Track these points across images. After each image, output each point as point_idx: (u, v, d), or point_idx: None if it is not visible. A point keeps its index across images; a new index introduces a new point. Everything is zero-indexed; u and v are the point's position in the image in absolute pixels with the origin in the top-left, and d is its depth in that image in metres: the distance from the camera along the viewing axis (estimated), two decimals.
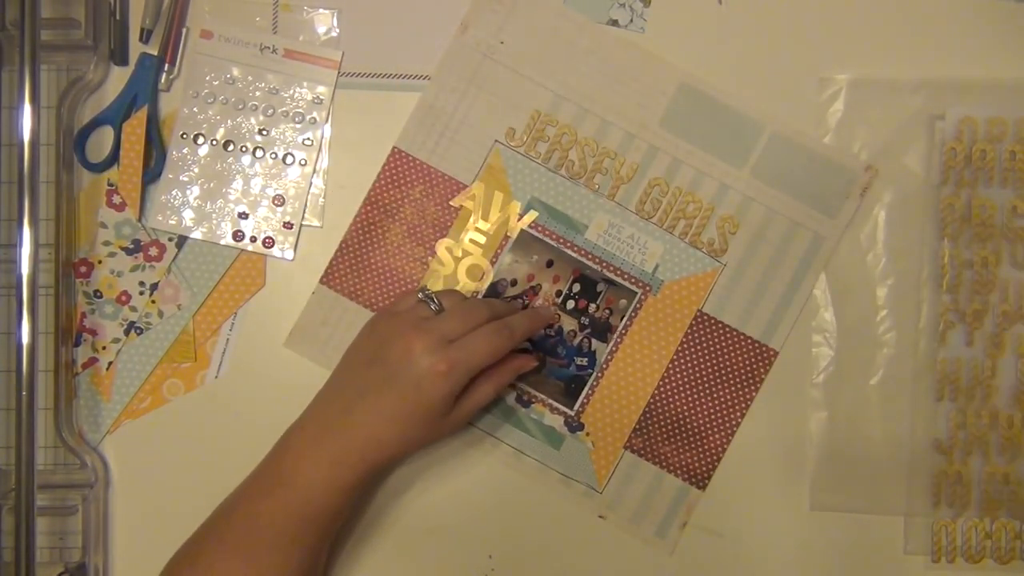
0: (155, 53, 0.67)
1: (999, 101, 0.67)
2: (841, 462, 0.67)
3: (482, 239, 0.68)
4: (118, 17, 0.67)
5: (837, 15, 0.68)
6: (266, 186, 0.68)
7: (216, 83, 0.67)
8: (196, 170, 0.67)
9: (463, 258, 0.68)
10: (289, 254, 0.67)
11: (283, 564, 0.57)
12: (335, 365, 0.64)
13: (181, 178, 0.67)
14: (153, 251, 0.67)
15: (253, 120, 0.68)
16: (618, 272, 0.67)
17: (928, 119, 0.67)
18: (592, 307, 0.67)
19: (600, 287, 0.67)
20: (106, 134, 0.67)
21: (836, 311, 0.67)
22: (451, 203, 0.68)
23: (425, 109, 0.68)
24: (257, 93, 0.68)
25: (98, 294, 0.67)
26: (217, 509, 0.59)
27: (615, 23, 0.68)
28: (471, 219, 0.68)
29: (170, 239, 0.67)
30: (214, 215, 0.68)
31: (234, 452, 0.61)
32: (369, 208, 0.68)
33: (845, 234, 0.67)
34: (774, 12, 0.68)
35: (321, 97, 0.68)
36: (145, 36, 0.67)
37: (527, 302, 0.67)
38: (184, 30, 0.68)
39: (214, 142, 0.67)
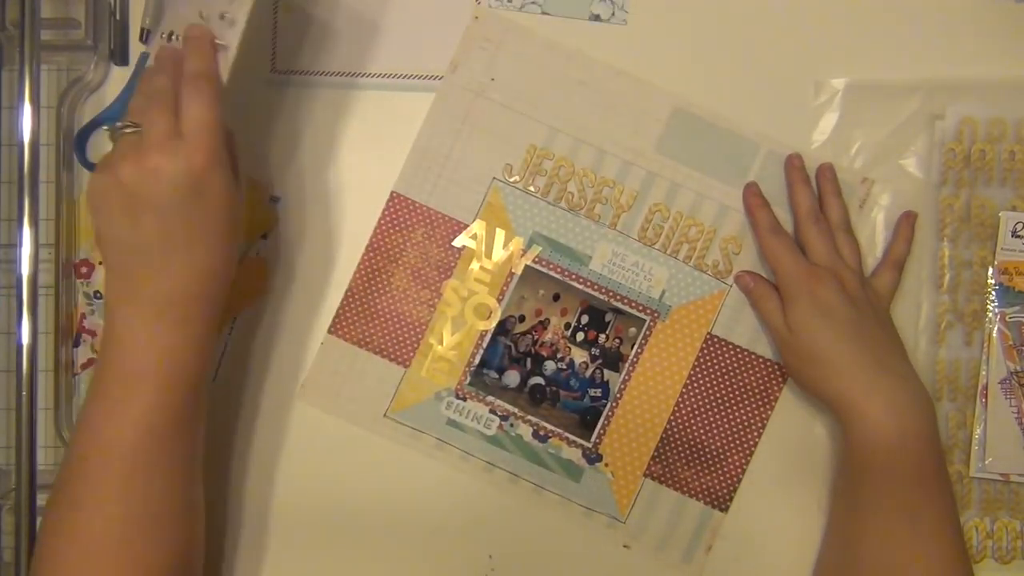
0: None
1: (999, 101, 0.67)
2: None
3: (487, 277, 0.67)
4: (118, 17, 0.67)
5: (830, 18, 0.68)
6: None
7: None
8: None
9: (469, 298, 0.68)
10: None
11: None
12: (349, 416, 0.64)
13: None
14: None
15: None
16: (625, 301, 0.67)
17: (927, 119, 0.67)
18: (602, 337, 0.67)
19: (608, 317, 0.67)
20: (107, 134, 0.67)
21: None
22: (453, 244, 0.68)
23: (420, 151, 0.68)
24: None
25: (98, 295, 0.67)
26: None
27: (597, 18, 0.68)
28: (474, 258, 0.68)
29: None
30: None
31: (230, 454, 0.60)
32: (371, 255, 0.67)
33: None
34: (766, 14, 0.68)
35: None
36: (145, 36, 0.66)
37: (536, 338, 0.67)
38: None
39: None
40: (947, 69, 0.67)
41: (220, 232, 0.55)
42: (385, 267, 0.67)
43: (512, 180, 0.68)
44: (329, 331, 0.68)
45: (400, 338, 0.67)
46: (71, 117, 0.67)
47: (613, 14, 0.68)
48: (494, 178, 0.68)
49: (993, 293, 0.67)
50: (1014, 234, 0.66)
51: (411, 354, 0.67)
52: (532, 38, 0.67)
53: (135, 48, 0.67)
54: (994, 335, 0.66)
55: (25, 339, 0.60)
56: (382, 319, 0.67)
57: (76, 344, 0.67)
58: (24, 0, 0.60)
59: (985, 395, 0.66)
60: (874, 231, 0.67)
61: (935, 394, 0.67)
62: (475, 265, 0.67)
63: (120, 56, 0.68)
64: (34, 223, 0.61)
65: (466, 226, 0.68)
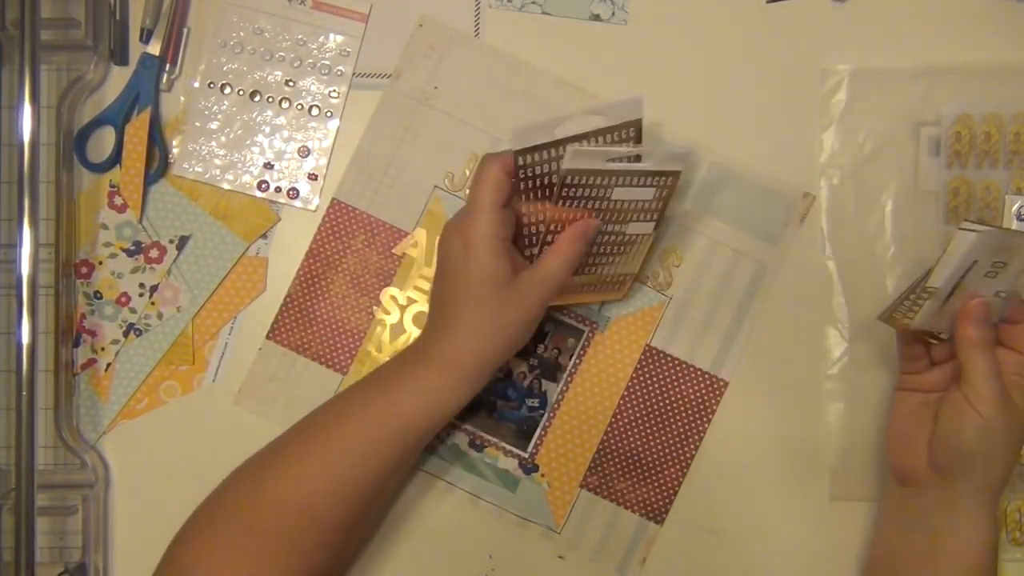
0: (156, 53, 0.67)
1: (1002, 86, 0.67)
2: (859, 452, 0.66)
3: (426, 286, 0.67)
4: (118, 17, 0.67)
5: (832, 9, 0.68)
6: (291, 137, 0.68)
7: (243, 33, 0.67)
8: (222, 119, 0.68)
9: (408, 306, 0.67)
10: (314, 203, 0.67)
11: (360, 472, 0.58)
12: (286, 422, 0.64)
13: (209, 126, 0.67)
14: (154, 253, 0.67)
15: (280, 72, 0.68)
16: (564, 311, 0.67)
17: (933, 104, 0.67)
18: (540, 347, 0.67)
19: (547, 327, 0.67)
20: (107, 134, 0.67)
21: (848, 302, 0.67)
22: (394, 251, 0.68)
23: (363, 158, 0.68)
24: (285, 44, 0.68)
25: (98, 295, 0.67)
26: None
27: (597, 18, 0.68)
28: (415, 266, 0.67)
29: (171, 241, 0.67)
30: (240, 164, 0.68)
31: (230, 456, 0.60)
32: (311, 261, 0.67)
33: (854, 225, 0.67)
34: (767, 9, 0.68)
35: (348, 49, 0.68)
36: (145, 36, 0.67)
37: None
38: (185, 30, 0.68)
39: (241, 92, 0.68)
40: (951, 55, 0.68)
41: (477, 299, 0.58)
42: (324, 274, 0.67)
43: (454, 189, 0.68)
44: (267, 336, 0.67)
45: (338, 345, 0.67)
46: (71, 117, 0.67)
47: (613, 14, 0.68)
48: (435, 186, 0.68)
49: None
50: (1019, 217, 0.66)
51: (349, 361, 0.67)
52: (476, 47, 0.68)
53: (135, 48, 0.67)
54: None
55: (25, 339, 0.60)
56: (320, 326, 0.67)
57: (76, 344, 0.67)
58: (24, 0, 0.60)
59: None
60: (883, 217, 0.67)
61: None
62: (415, 273, 0.67)
63: (120, 56, 0.68)
64: (34, 223, 0.61)
65: (407, 234, 0.68)
